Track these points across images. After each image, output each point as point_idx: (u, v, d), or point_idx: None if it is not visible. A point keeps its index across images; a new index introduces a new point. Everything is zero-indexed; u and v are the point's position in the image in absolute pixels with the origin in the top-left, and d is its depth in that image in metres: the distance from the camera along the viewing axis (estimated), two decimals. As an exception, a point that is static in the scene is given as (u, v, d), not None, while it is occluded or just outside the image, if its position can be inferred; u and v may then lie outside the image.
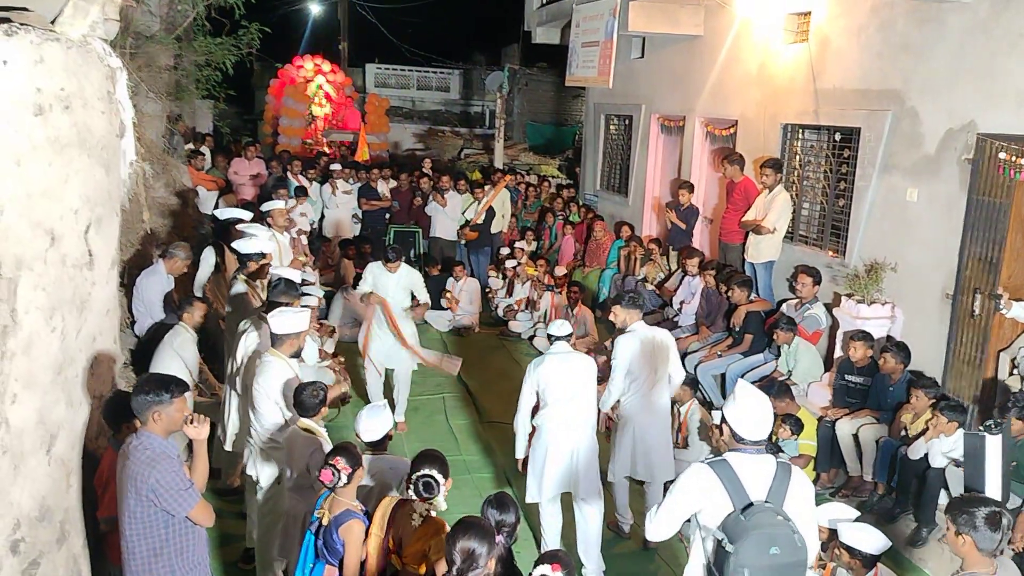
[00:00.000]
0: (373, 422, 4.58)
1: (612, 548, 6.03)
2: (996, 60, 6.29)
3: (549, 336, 5.81)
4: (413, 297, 7.65)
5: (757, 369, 7.75)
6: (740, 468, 3.41)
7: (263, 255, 6.31)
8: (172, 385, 3.79)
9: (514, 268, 11.38)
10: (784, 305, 8.11)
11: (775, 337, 7.55)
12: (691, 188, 10.06)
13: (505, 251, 11.79)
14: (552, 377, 5.45)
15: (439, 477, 3.93)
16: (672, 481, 3.67)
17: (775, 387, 7.03)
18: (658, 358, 5.64)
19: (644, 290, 9.47)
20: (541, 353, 9.75)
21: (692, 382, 6.97)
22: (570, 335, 5.79)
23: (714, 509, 3.40)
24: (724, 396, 7.85)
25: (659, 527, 3.56)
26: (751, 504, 3.33)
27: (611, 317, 5.83)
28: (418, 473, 3.95)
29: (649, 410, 5.69)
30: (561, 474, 5.44)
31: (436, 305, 10.86)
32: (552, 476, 5.44)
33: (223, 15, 9.45)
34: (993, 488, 4.84)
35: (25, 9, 3.81)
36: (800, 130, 8.79)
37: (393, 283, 7.48)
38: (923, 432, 5.89)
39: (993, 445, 4.83)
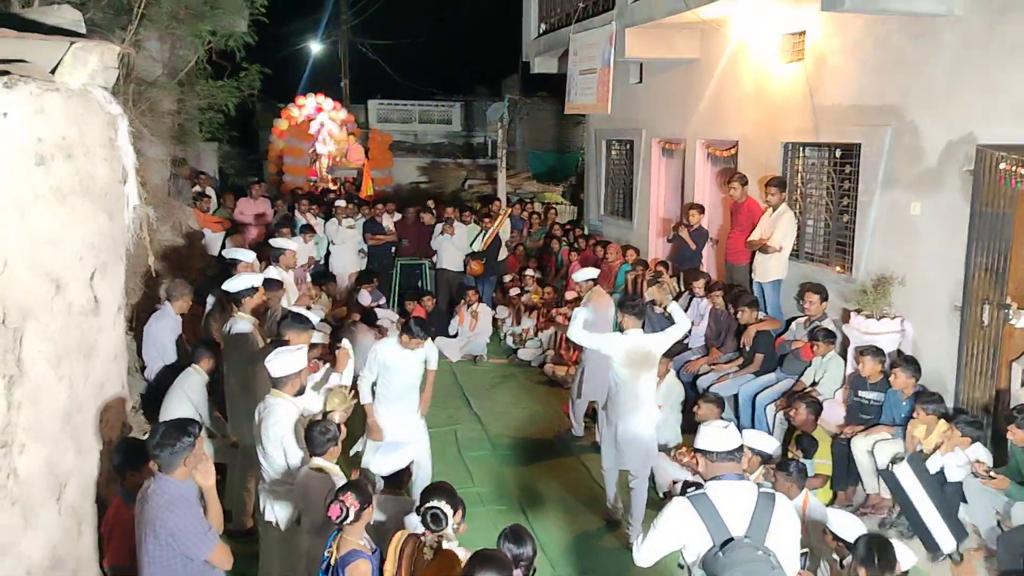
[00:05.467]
0: (388, 458, 4.57)
1: (598, 540, 6.39)
2: (992, 72, 6.30)
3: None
4: None
5: (769, 389, 7.69)
6: (720, 500, 3.38)
7: (255, 289, 6.25)
8: (191, 427, 3.83)
9: (519, 296, 11.41)
10: (793, 323, 8.07)
11: (813, 348, 7.46)
12: (701, 209, 10.07)
13: (508, 278, 11.84)
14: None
15: (447, 509, 3.90)
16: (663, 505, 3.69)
17: (803, 399, 6.89)
18: (641, 364, 6.09)
19: (652, 313, 9.44)
20: (551, 379, 9.85)
21: (718, 400, 6.93)
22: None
23: (695, 545, 3.39)
24: (737, 417, 7.81)
25: (644, 556, 3.61)
26: (731, 540, 3.29)
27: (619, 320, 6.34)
28: (426, 505, 3.93)
29: (633, 408, 6.12)
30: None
31: (447, 334, 10.91)
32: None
33: (224, 58, 9.58)
34: (928, 513, 4.77)
35: (25, 61, 3.87)
36: (800, 148, 8.80)
37: (411, 359, 6.28)
38: (939, 446, 5.83)
39: (905, 474, 4.90)
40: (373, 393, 6.28)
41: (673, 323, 6.32)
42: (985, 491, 5.70)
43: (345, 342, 6.13)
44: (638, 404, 6.15)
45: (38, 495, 3.70)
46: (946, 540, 4.68)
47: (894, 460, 5.30)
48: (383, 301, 11.27)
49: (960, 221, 6.65)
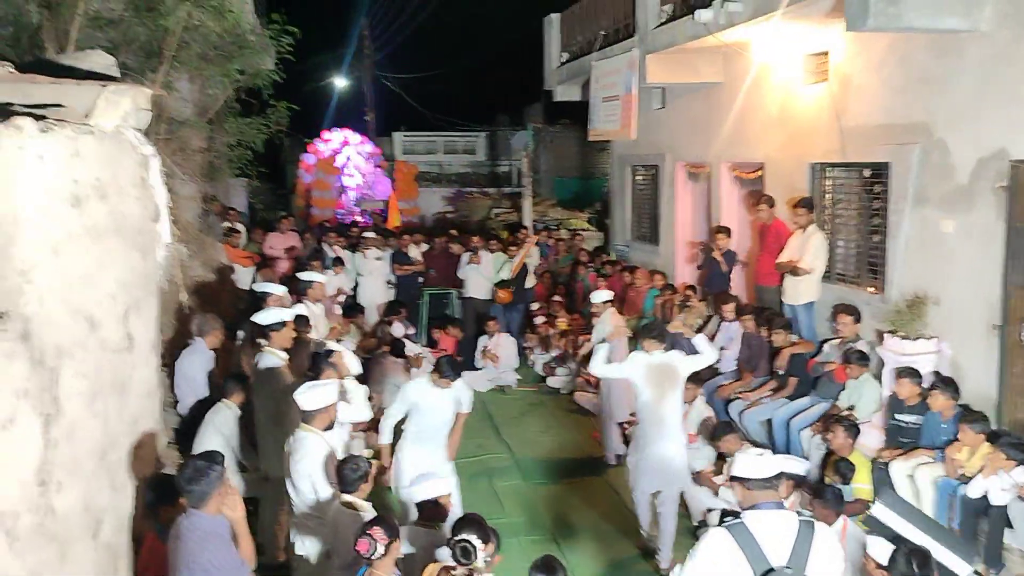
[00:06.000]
0: (422, 487, 4.56)
1: (632, 569, 6.34)
2: (1021, 86, 6.23)
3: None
4: None
5: (804, 413, 7.57)
6: (759, 529, 3.34)
7: (284, 323, 6.29)
8: (217, 457, 3.85)
9: (546, 324, 11.39)
10: (827, 345, 7.96)
11: (847, 371, 7.34)
12: (728, 232, 10.03)
13: (536, 305, 11.85)
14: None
15: (476, 542, 3.88)
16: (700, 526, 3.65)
17: (840, 422, 6.72)
18: (665, 382, 6.09)
19: (681, 339, 9.37)
20: (581, 408, 9.78)
21: (733, 426, 6.85)
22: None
23: None
24: (772, 442, 7.69)
25: None
26: (771, 570, 3.25)
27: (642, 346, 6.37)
28: (455, 538, 3.91)
29: (659, 435, 6.09)
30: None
31: (473, 365, 10.90)
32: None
33: (252, 96, 9.75)
34: (926, 543, 4.56)
35: (61, 105, 3.96)
36: (828, 168, 8.74)
37: (443, 399, 6.13)
38: (981, 470, 5.70)
39: (884, 513, 4.56)
40: (395, 434, 6.25)
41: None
42: (1031, 515, 5.56)
43: (332, 344, 6.41)
44: (664, 428, 6.08)
45: (75, 532, 3.72)
46: (958, 565, 4.51)
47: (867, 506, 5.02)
48: (413, 332, 11.31)
49: (995, 238, 6.55)
